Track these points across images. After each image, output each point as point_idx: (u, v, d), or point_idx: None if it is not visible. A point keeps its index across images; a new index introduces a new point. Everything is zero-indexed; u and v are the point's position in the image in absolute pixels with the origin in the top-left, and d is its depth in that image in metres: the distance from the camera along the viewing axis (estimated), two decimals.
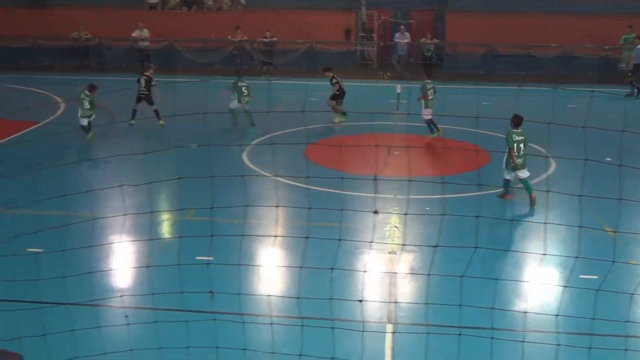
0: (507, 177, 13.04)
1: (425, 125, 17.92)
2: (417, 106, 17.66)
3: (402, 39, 29.10)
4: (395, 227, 11.69)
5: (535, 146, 14.36)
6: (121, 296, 7.45)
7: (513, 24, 27.98)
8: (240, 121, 19.01)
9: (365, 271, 9.21)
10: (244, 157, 15.80)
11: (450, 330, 7.33)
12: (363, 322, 7.08)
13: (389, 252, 10.65)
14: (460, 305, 6.31)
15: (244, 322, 7.01)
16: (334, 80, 19.88)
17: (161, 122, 18.78)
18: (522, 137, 12.68)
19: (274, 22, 28.66)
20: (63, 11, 30.29)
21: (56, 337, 5.84)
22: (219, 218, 10.59)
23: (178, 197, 12.83)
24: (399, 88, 21.23)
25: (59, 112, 20.35)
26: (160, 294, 7.04)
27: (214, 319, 6.85)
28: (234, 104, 19.27)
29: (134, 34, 28.97)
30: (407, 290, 9.68)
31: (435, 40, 29.36)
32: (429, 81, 18.11)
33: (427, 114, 17.81)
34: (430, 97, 17.80)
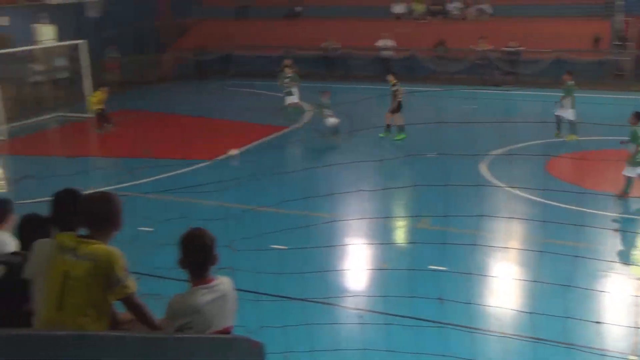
0: (630, 174, 12.72)
1: (563, 122, 18.11)
2: None
3: None
4: None
5: None
6: (354, 296, 7.73)
7: None
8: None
9: (605, 294, 8.67)
10: (482, 167, 15.58)
11: None
12: (602, 350, 6.68)
13: (638, 278, 9.89)
14: None
15: (472, 333, 6.95)
16: (394, 88, 18.81)
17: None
18: None
19: (521, 31, 27.89)
20: (314, 22, 32.06)
21: (294, 329, 6.22)
22: (452, 228, 10.57)
23: (413, 204, 12.99)
24: None
25: (306, 118, 21.54)
26: (392, 296, 7.21)
27: (442, 327, 6.87)
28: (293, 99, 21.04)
29: (378, 44, 29.83)
30: None
31: None
32: (571, 82, 18.13)
33: (569, 115, 18.00)
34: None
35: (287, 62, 23.89)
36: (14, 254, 5.09)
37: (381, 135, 18.88)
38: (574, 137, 17.78)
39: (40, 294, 4.30)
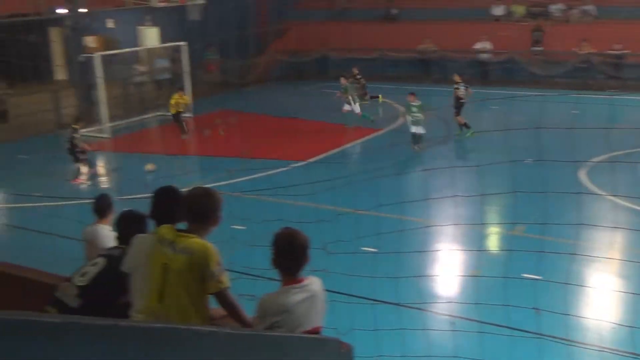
0: None
1: None
2: None
3: None
4: None
5: None
6: (447, 302, 7.62)
7: None
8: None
9: None
10: (581, 175, 15.07)
11: None
12: None
13: None
14: None
15: (569, 346, 6.73)
16: (455, 86, 19.58)
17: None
18: None
19: (626, 34, 26.79)
20: (411, 25, 31.84)
21: (385, 333, 6.18)
22: (548, 236, 10.26)
23: (508, 211, 12.70)
24: None
25: (400, 121, 21.41)
26: (485, 304, 7.06)
27: (537, 337, 6.68)
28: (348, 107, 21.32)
29: (475, 46, 29.35)
30: None
31: None
32: None
33: None
34: None
35: (354, 70, 24.19)
36: (114, 247, 5.29)
37: (468, 135, 19.18)
38: None
39: (138, 287, 4.43)
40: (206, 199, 4.27)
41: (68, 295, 4.83)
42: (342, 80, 22.42)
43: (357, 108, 21.52)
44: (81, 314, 4.51)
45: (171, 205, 4.51)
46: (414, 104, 18.41)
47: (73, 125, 17.21)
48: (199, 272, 4.07)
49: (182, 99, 21.63)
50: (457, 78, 20.04)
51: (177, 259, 4.10)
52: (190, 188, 4.38)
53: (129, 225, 5.22)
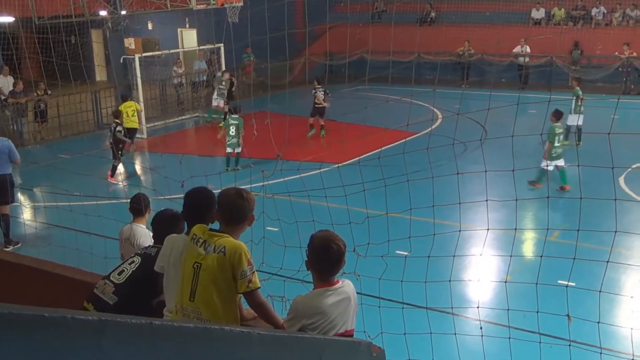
0: (545, 165, 14.21)
1: None
2: None
3: None
4: None
5: None
6: (477, 307, 7.59)
7: None
8: None
9: None
10: (620, 181, 14.85)
11: None
12: None
13: None
14: None
15: (601, 354, 6.65)
16: (319, 90, 20.96)
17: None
18: (562, 130, 14.86)
19: None
20: (449, 28, 31.66)
21: (414, 337, 6.18)
22: (583, 242, 10.13)
23: (543, 216, 12.58)
24: None
25: (436, 124, 21.31)
26: (516, 310, 7.02)
27: (569, 345, 6.62)
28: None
29: (515, 50, 29.09)
30: None
31: None
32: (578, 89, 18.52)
33: (571, 120, 18.04)
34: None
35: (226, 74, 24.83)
36: (150, 246, 5.40)
37: (308, 135, 21.27)
38: (566, 143, 17.23)
39: (171, 286, 4.51)
40: (240, 200, 4.29)
41: (105, 293, 4.96)
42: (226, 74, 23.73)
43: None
44: (117, 311, 4.63)
45: (203, 206, 4.59)
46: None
47: (116, 120, 17.61)
48: (231, 271, 4.10)
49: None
50: (316, 84, 21.69)
51: (209, 258, 4.14)
52: (226, 189, 4.42)
53: (165, 225, 5.32)
